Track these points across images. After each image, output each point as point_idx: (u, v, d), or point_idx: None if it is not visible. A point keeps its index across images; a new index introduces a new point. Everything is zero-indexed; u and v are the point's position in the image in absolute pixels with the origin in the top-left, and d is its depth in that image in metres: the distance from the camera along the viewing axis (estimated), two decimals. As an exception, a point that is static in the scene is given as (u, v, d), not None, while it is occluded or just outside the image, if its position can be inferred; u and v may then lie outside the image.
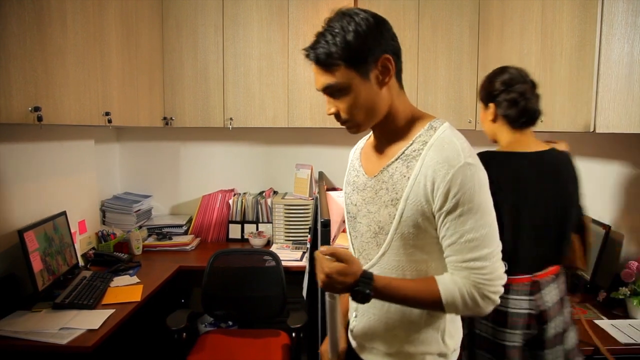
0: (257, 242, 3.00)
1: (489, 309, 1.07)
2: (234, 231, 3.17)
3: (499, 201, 1.17)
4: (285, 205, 3.05)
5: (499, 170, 1.49)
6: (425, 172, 1.07)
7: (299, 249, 2.96)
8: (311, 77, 2.95)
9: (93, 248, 2.75)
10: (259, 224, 3.17)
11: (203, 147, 3.38)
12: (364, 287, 1.06)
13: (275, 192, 3.33)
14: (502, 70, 1.63)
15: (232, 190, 3.34)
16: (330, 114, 1.17)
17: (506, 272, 1.09)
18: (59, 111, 1.83)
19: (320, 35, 1.17)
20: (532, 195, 1.54)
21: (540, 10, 2.24)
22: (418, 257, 1.12)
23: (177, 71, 2.97)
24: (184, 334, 2.26)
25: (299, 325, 2.29)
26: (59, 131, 2.47)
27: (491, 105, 1.63)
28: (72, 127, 2.54)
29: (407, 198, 1.08)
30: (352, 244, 1.27)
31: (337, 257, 1.07)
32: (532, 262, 1.56)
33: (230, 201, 3.19)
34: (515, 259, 1.52)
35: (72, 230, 2.45)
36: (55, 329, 1.79)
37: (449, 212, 1.04)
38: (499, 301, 1.07)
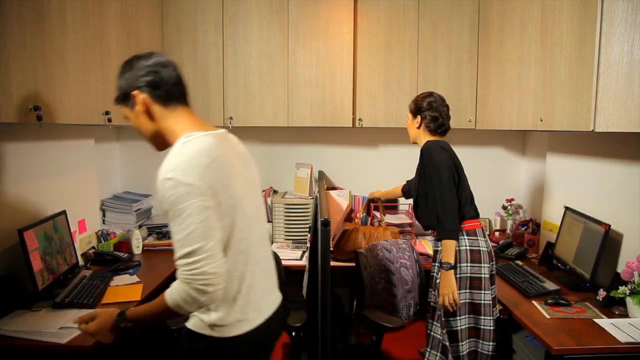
0: (257, 242, 3.00)
1: (211, 300, 1.24)
2: (234, 230, 3.16)
3: (454, 176, 2.09)
4: (285, 204, 3.05)
5: (451, 154, 2.13)
6: None
7: (299, 248, 2.96)
8: (311, 77, 2.98)
9: (93, 247, 2.75)
10: (259, 223, 3.17)
11: (203, 146, 3.37)
12: (121, 323, 1.36)
13: (275, 191, 3.33)
14: (430, 94, 2.22)
15: (232, 189, 3.33)
16: None
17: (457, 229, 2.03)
18: (58, 110, 1.83)
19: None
20: (462, 171, 2.17)
21: (540, 10, 2.24)
22: None
23: (177, 70, 2.96)
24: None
25: (298, 324, 2.29)
26: (58, 130, 2.47)
27: (419, 117, 2.21)
28: (72, 126, 2.54)
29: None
30: None
31: (87, 319, 1.40)
32: (475, 213, 2.13)
33: (230, 200, 3.18)
34: (472, 208, 2.13)
35: (72, 230, 2.45)
36: (55, 328, 1.79)
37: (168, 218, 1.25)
38: (215, 293, 1.23)
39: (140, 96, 1.38)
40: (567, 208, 2.55)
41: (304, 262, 2.67)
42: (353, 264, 2.55)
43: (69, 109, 1.91)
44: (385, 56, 2.99)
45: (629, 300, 1.94)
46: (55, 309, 1.96)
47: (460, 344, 2.03)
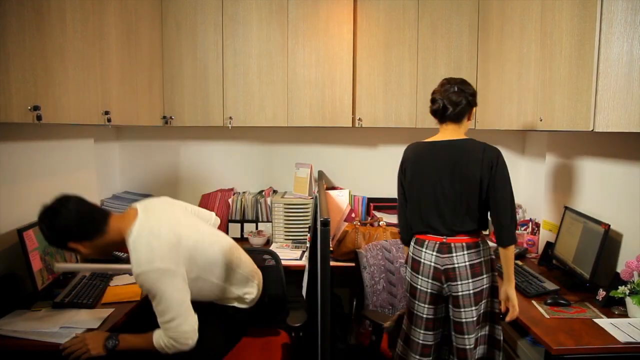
0: (256, 241, 3.00)
1: (188, 348, 1.67)
2: (234, 230, 3.17)
3: (402, 180, 2.06)
4: (284, 204, 3.05)
5: (404, 157, 2.06)
6: None
7: (298, 248, 2.96)
8: (311, 76, 2.98)
9: (92, 247, 2.74)
10: (259, 223, 3.18)
11: (202, 146, 3.38)
12: (110, 340, 1.70)
13: (274, 191, 3.33)
14: (443, 80, 2.03)
15: (232, 189, 3.34)
16: None
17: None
18: (58, 110, 1.83)
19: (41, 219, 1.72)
20: (428, 175, 1.95)
21: (539, 9, 2.24)
22: None
23: (177, 70, 2.97)
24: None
25: (298, 324, 2.29)
26: (58, 130, 2.47)
27: None
28: (72, 126, 2.54)
29: None
30: None
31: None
32: (440, 228, 1.92)
33: (230, 200, 3.19)
34: (424, 223, 1.95)
35: (72, 230, 2.45)
36: (54, 328, 1.79)
37: None
38: (192, 344, 1.67)
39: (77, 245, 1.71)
40: (566, 208, 2.55)
41: (304, 262, 2.67)
42: (353, 264, 2.55)
43: (68, 108, 1.90)
44: (384, 56, 2.99)
45: (628, 300, 1.94)
46: (55, 308, 1.96)
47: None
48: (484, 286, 1.92)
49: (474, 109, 2.04)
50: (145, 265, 1.61)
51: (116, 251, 1.93)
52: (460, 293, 1.89)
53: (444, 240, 1.92)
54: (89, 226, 1.68)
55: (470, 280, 1.89)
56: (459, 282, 1.89)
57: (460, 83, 1.99)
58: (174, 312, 1.64)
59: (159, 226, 1.72)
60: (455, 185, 1.91)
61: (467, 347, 1.91)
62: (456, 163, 1.91)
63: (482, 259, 1.92)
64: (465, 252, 1.90)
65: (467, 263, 1.89)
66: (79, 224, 1.66)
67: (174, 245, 1.71)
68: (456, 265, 1.90)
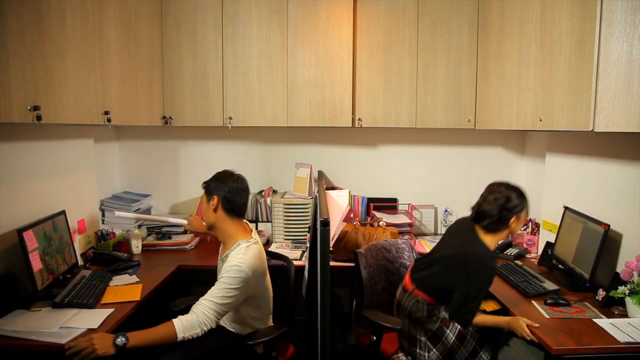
0: (256, 241, 3.00)
1: (199, 332, 1.82)
2: (234, 230, 3.16)
3: None
4: (284, 204, 3.05)
5: None
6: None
7: (298, 248, 2.96)
8: (311, 76, 2.98)
9: (92, 247, 2.74)
10: (259, 223, 3.18)
11: (202, 146, 3.38)
12: (120, 339, 1.69)
13: (274, 191, 3.33)
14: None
15: (232, 189, 3.33)
16: None
17: None
18: (58, 110, 1.83)
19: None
20: None
21: (539, 9, 2.24)
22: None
23: (177, 70, 2.96)
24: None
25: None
26: (58, 130, 2.47)
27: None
28: (72, 126, 2.54)
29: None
30: None
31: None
32: None
33: (230, 200, 3.18)
34: None
35: (72, 230, 2.45)
36: (54, 328, 1.79)
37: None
38: (204, 329, 1.83)
39: (217, 202, 2.04)
40: (566, 208, 2.55)
41: (304, 262, 2.67)
42: (352, 264, 2.55)
43: (68, 108, 1.90)
44: (384, 56, 2.99)
45: (628, 300, 1.94)
46: (55, 308, 1.96)
47: None
48: None
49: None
50: (242, 265, 1.89)
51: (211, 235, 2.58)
52: None
53: None
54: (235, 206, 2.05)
55: None
56: None
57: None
58: (219, 303, 1.85)
59: (263, 255, 2.08)
60: None
61: None
62: None
63: None
64: None
65: None
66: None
67: (261, 274, 2.05)
68: None
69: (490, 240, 2.09)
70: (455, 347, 2.10)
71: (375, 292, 2.44)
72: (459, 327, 2.10)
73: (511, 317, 2.00)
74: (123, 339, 1.69)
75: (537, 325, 1.89)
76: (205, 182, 2.10)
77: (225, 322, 2.11)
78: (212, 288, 1.88)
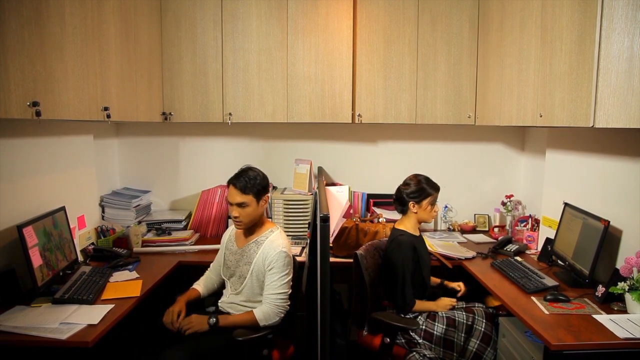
0: (256, 238, 3.00)
1: (278, 319, 2.10)
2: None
3: None
4: (284, 200, 3.05)
5: None
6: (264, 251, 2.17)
7: (298, 244, 2.96)
8: (310, 72, 2.97)
9: (92, 243, 2.75)
10: (259, 219, 3.17)
11: (202, 142, 3.37)
12: (212, 319, 2.06)
13: (274, 187, 3.33)
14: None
15: (232, 185, 3.33)
16: (234, 217, 2.18)
17: None
18: (57, 106, 1.82)
19: (243, 173, 2.19)
20: None
21: (540, 5, 2.24)
22: (258, 291, 2.18)
23: (176, 66, 2.96)
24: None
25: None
26: (57, 126, 2.46)
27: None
28: (71, 122, 2.54)
29: (255, 262, 2.17)
30: (228, 281, 2.29)
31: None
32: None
33: (230, 196, 3.18)
34: None
35: (72, 226, 2.45)
36: (54, 324, 1.80)
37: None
38: (282, 316, 2.11)
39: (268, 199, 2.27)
40: (566, 204, 2.55)
41: (303, 258, 2.68)
42: (351, 260, 2.55)
43: (67, 104, 1.90)
44: (384, 52, 2.98)
45: (627, 296, 1.94)
46: (55, 304, 1.96)
47: None
48: None
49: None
50: (284, 248, 2.12)
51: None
52: None
53: None
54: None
55: None
56: None
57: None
58: (284, 291, 2.12)
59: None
60: None
61: None
62: None
63: None
64: None
65: None
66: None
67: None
68: None
69: (407, 224, 2.47)
70: (451, 333, 2.24)
71: (376, 292, 2.44)
72: (444, 315, 2.29)
73: (437, 300, 2.38)
74: (214, 319, 2.06)
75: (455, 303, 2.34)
76: (250, 186, 2.14)
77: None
78: (270, 280, 2.10)
